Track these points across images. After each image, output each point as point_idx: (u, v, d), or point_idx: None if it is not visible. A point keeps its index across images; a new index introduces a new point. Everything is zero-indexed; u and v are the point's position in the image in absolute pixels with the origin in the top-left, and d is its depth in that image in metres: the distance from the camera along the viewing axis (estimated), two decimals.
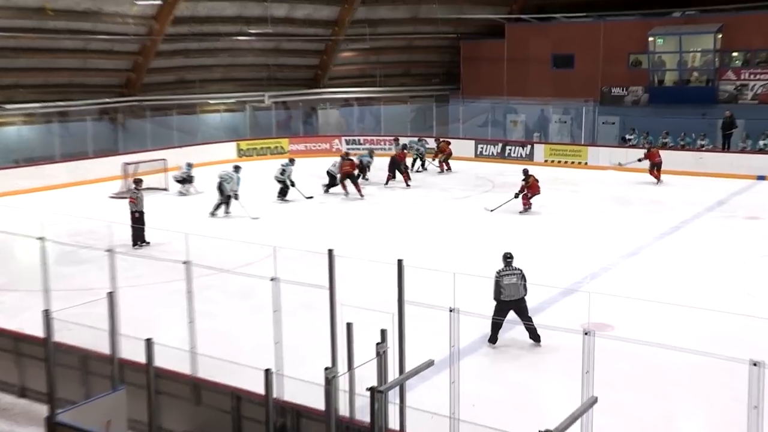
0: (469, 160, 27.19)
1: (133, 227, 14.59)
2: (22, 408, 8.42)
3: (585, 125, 27.37)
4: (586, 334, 5.71)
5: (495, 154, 27.74)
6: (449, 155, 25.16)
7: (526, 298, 9.62)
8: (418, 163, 25.11)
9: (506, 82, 30.77)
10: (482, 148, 27.98)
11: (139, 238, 14.65)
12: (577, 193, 21.39)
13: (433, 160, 25.18)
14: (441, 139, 25.91)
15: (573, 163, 26.15)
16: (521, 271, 9.64)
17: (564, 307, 10.93)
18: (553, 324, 9.20)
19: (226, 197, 17.89)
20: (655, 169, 22.43)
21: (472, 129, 29.81)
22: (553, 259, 14.01)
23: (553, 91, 29.24)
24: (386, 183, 22.29)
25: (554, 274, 12.60)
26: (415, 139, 26.14)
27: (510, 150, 27.53)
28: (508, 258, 9.82)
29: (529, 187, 18.12)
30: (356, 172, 21.11)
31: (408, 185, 22.02)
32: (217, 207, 17.89)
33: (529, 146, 27.33)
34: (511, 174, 24.52)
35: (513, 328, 9.84)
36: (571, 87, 28.85)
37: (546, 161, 26.63)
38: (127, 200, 15.27)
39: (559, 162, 26.40)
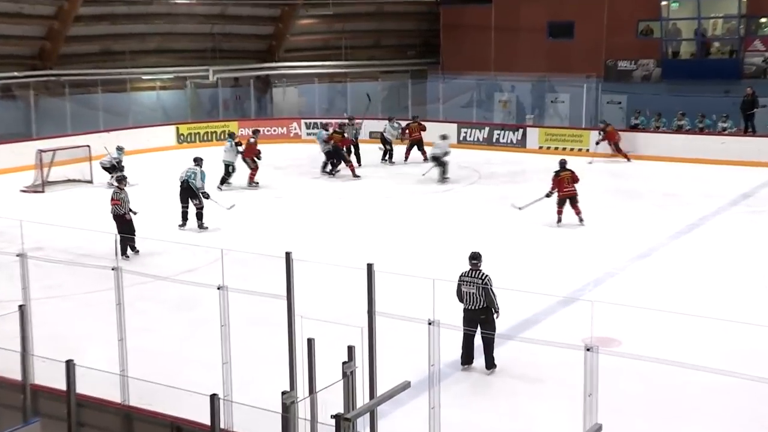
0: (450, 146, 27.24)
1: (120, 234, 13.80)
2: None
3: (587, 105, 27.58)
4: (588, 350, 5.75)
5: (481, 139, 27.86)
6: (419, 141, 24.73)
7: (493, 313, 9.35)
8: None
9: (494, 55, 30.91)
10: (466, 132, 28.08)
11: (126, 246, 14.00)
12: (579, 185, 21.55)
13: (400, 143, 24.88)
14: (415, 120, 25.49)
15: (573, 150, 26.36)
16: (485, 278, 9.35)
17: (563, 318, 11.02)
18: (551, 338, 9.26)
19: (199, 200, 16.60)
20: (616, 148, 23.85)
21: (454, 110, 29.87)
22: (550, 262, 14.11)
23: (549, 65, 29.42)
24: (331, 171, 22.48)
25: (551, 281, 12.69)
26: (386, 121, 26.01)
27: (498, 135, 27.66)
28: (473, 260, 9.56)
29: (557, 183, 16.62)
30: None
31: (356, 175, 22.22)
32: (201, 216, 16.61)
33: (520, 130, 27.49)
34: (500, 163, 24.75)
35: (504, 343, 9.89)
36: (570, 60, 29.07)
37: (541, 148, 26.81)
38: (109, 202, 14.68)
39: (557, 149, 26.55)
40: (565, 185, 16.60)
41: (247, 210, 18.32)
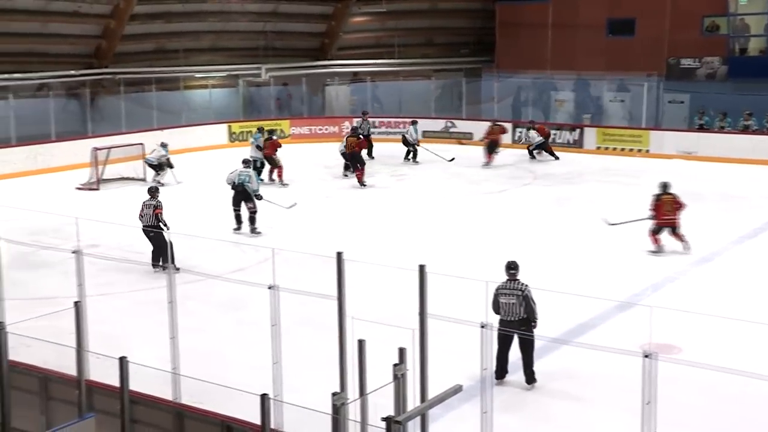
0: (504, 146, 27.10)
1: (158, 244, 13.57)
2: None
3: (647, 105, 27.14)
4: (646, 357, 5.69)
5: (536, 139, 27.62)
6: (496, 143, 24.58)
7: (533, 327, 9.13)
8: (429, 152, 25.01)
9: (550, 54, 30.63)
10: (521, 132, 27.88)
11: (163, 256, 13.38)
12: (636, 186, 21.25)
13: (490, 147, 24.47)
14: (496, 128, 25.09)
15: (632, 150, 26.02)
16: (524, 290, 9.14)
17: (620, 324, 10.88)
18: (607, 344, 9.15)
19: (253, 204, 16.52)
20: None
21: (509, 109, 29.71)
22: (607, 266, 13.96)
23: (608, 63, 29.05)
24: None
25: (609, 285, 12.56)
26: (409, 120, 26.13)
27: (554, 135, 27.38)
28: (510, 269, 9.35)
29: (656, 207, 14.77)
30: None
31: (363, 184, 21.08)
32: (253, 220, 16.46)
33: (577, 130, 27.22)
34: (556, 164, 24.53)
35: (558, 348, 9.81)
36: (630, 58, 28.65)
37: (598, 148, 26.51)
38: (152, 213, 13.99)
39: (615, 149, 26.26)
40: (664, 212, 14.63)
41: (297, 210, 18.47)
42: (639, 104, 27.38)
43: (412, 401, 6.51)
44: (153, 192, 14.58)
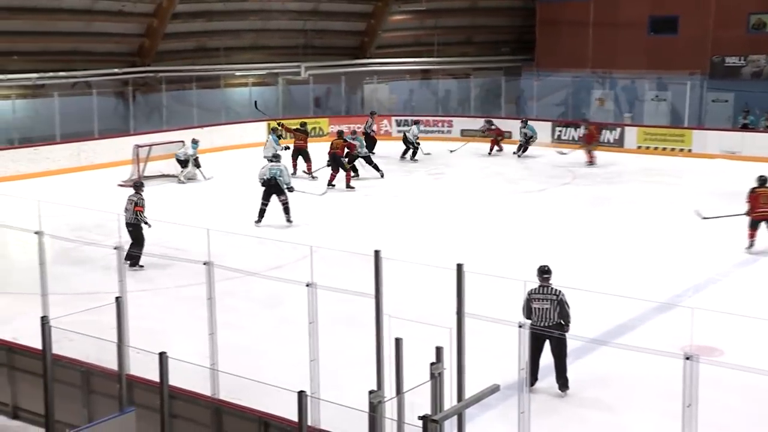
0: (544, 145, 26.93)
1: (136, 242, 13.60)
2: None
3: (690, 104, 26.78)
4: (687, 359, 5.62)
5: (576, 138, 27.41)
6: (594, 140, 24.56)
7: (565, 332, 8.91)
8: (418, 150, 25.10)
9: (591, 52, 30.38)
10: (560, 131, 27.71)
11: (137, 258, 13.51)
12: (678, 186, 21.01)
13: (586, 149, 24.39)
14: (592, 126, 25.07)
15: (674, 150, 25.70)
16: (559, 294, 8.93)
17: (660, 325, 10.76)
18: (647, 345, 9.04)
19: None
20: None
21: (549, 108, 29.53)
22: (647, 266, 13.79)
23: (650, 62, 28.74)
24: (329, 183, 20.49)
25: (649, 285, 12.41)
26: (409, 120, 26.71)
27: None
28: (544, 274, 9.13)
29: (751, 200, 14.56)
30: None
31: (349, 186, 20.47)
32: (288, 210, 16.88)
33: (618, 129, 26.95)
34: (597, 164, 24.26)
35: (596, 349, 9.72)
36: (672, 57, 28.30)
37: (639, 148, 26.24)
38: (132, 209, 13.92)
39: (656, 149, 25.97)
40: (760, 204, 14.42)
41: (335, 207, 18.53)
42: (681, 103, 27.06)
43: (449, 400, 6.49)
44: (138, 187, 14.66)
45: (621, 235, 15.95)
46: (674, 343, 8.36)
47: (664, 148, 25.88)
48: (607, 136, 26.88)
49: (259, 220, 16.89)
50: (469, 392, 6.44)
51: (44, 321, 7.60)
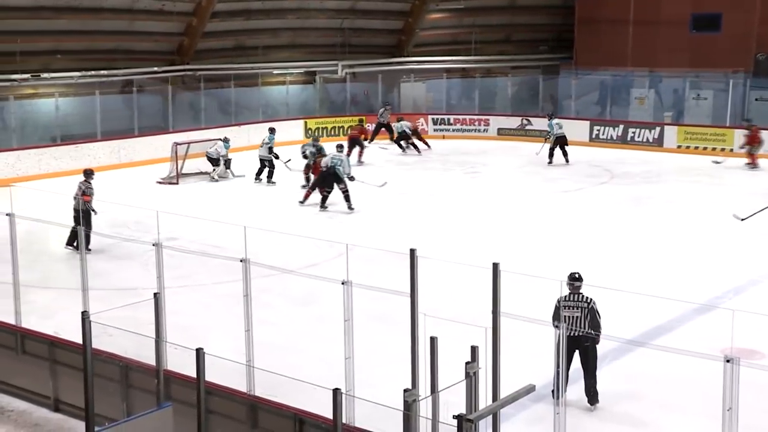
0: (581, 144, 26.70)
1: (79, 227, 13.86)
2: (57, 424, 8.82)
3: (732, 103, 26.36)
4: (728, 361, 5.54)
5: (615, 137, 27.16)
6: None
7: (596, 341, 8.57)
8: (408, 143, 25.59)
9: (631, 50, 30.02)
10: (599, 130, 27.44)
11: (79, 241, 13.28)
12: (719, 186, 20.70)
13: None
14: (753, 127, 23.68)
15: (715, 149, 25.31)
16: (590, 302, 8.63)
17: (700, 327, 10.61)
18: (686, 347, 8.93)
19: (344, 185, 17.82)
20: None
21: (587, 107, 29.27)
22: (687, 267, 13.61)
23: (692, 60, 28.31)
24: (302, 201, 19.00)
25: (689, 287, 12.23)
26: (382, 109, 27.54)
27: (633, 133, 26.89)
28: (574, 281, 8.79)
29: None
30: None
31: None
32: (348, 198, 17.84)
33: (657, 128, 26.62)
34: (634, 162, 24.04)
35: (633, 350, 9.62)
36: (715, 55, 27.84)
37: (679, 147, 25.89)
38: (82, 197, 14.40)
39: (697, 148, 25.61)
40: None
41: (371, 204, 18.56)
42: (723, 102, 26.63)
43: (484, 400, 6.46)
44: (88, 174, 15.07)
45: (660, 236, 15.76)
46: (714, 346, 8.25)
47: (705, 148, 25.51)
48: (646, 135, 26.57)
49: (323, 207, 17.90)
50: (505, 392, 6.41)
51: (84, 316, 7.70)
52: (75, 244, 13.64)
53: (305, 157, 20.41)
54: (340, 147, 18.84)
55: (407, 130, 25.68)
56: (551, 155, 23.48)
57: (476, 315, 7.13)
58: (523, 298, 8.49)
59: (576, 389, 8.66)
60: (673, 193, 19.76)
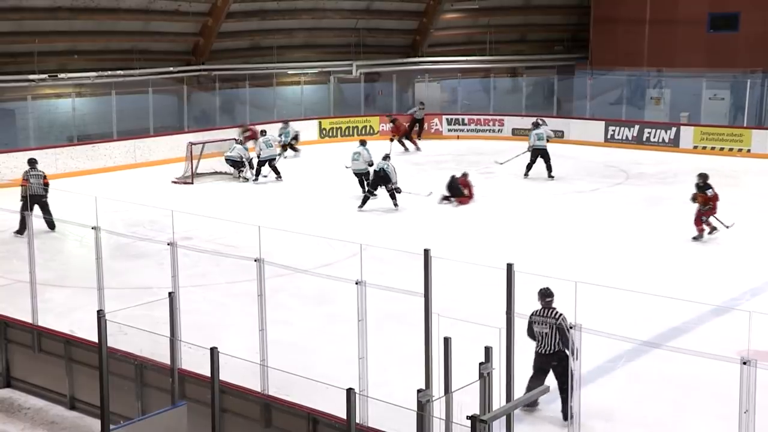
0: (597, 144, 26.60)
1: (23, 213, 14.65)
2: (72, 422, 8.88)
3: (750, 103, 26.17)
4: (744, 363, 5.51)
5: (630, 138, 27.02)
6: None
7: (571, 359, 7.67)
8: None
9: (647, 50, 29.89)
10: (614, 130, 27.32)
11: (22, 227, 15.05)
12: (736, 188, 20.54)
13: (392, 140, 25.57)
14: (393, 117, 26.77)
15: (732, 150, 25.14)
16: (559, 317, 8.19)
17: (717, 328, 10.55)
18: (702, 349, 8.88)
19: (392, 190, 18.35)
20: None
21: (602, 107, 29.14)
22: (703, 269, 13.54)
23: (708, 60, 28.14)
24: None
25: (705, 288, 12.15)
26: (415, 108, 28.06)
27: (649, 133, 26.74)
28: (545, 297, 8.38)
29: (712, 199, 15.22)
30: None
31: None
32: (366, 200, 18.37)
33: (673, 129, 26.46)
34: (650, 163, 23.92)
35: (649, 351, 9.57)
36: (732, 54, 27.68)
37: (695, 148, 25.74)
38: (42, 183, 15.88)
39: (713, 149, 25.44)
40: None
41: (384, 205, 18.54)
42: (741, 102, 26.46)
43: (498, 400, 6.46)
44: (32, 163, 16.31)
45: (676, 237, 15.66)
46: (731, 348, 8.20)
47: (722, 148, 25.35)
48: (662, 135, 26.43)
49: (362, 206, 18.25)
50: (519, 393, 6.41)
51: (100, 315, 7.75)
52: (24, 232, 14.43)
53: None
54: (386, 157, 18.85)
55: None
56: (528, 168, 21.40)
57: (490, 315, 7.13)
58: (537, 299, 8.47)
59: (586, 391, 8.65)
60: (690, 194, 19.62)
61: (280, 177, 21.49)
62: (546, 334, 8.22)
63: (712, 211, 15.09)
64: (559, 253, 14.37)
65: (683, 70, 28.54)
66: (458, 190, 17.96)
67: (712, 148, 25.48)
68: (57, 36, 24.39)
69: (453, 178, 18.39)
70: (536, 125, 22.38)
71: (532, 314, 8.25)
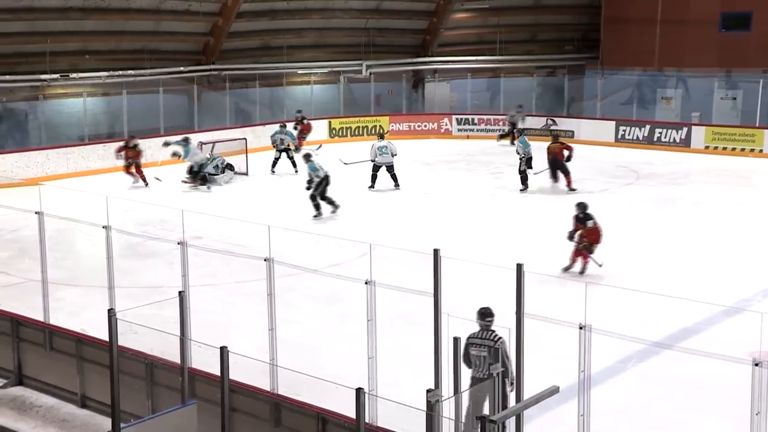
0: (607, 145, 26.54)
1: None
2: (83, 420, 8.92)
3: (762, 102, 26.06)
4: (756, 365, 5.49)
5: (641, 138, 26.96)
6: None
7: (507, 387, 7.35)
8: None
9: (658, 50, 29.80)
10: (624, 130, 27.25)
11: None
12: (747, 187, 20.48)
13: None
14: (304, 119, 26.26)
15: (743, 150, 25.05)
16: (498, 339, 7.56)
17: (728, 329, 10.51)
18: (713, 350, 8.85)
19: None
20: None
21: (613, 107, 29.08)
22: (715, 269, 13.48)
23: (720, 59, 28.05)
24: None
25: (717, 289, 12.11)
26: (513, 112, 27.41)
27: (660, 133, 26.68)
28: (485, 317, 7.78)
29: (588, 234, 13.17)
30: None
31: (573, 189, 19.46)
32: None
33: (684, 129, 26.39)
34: (660, 163, 23.86)
35: (660, 352, 9.54)
36: (744, 54, 27.57)
37: (707, 148, 25.66)
38: None
39: (725, 149, 25.36)
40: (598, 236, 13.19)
41: (394, 205, 18.57)
42: (753, 102, 26.35)
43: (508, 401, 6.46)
44: None
45: (687, 237, 15.62)
46: (742, 349, 8.16)
47: (734, 149, 25.25)
48: (673, 135, 26.34)
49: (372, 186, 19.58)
50: (528, 393, 6.40)
51: (111, 314, 7.77)
52: None
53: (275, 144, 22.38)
54: (308, 157, 18.19)
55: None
56: (525, 180, 20.11)
57: (500, 316, 7.12)
58: (547, 299, 8.46)
59: (595, 392, 8.63)
60: (701, 195, 19.57)
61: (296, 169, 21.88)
62: (484, 357, 7.62)
63: (587, 250, 12.97)
64: (569, 253, 14.32)
65: (695, 69, 28.45)
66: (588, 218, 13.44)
67: (724, 148, 25.39)
68: (68, 36, 24.50)
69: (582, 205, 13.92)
70: (522, 132, 22.92)
71: (469, 336, 7.68)
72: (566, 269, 13.03)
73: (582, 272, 12.84)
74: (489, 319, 7.78)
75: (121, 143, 21.53)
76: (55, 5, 23.26)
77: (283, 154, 22.66)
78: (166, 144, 21.38)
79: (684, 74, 28.98)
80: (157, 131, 24.95)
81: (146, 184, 20.83)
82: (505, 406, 7.14)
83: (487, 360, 7.57)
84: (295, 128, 25.47)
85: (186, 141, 21.34)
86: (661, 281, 12.02)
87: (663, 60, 29.56)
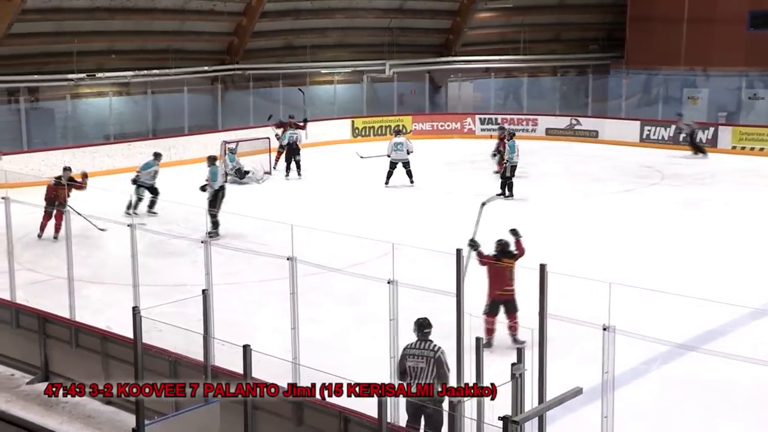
0: (632, 145, 26.34)
1: None
2: (108, 416, 9.00)
3: None
4: None
5: (666, 138, 26.73)
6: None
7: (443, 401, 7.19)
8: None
9: (684, 49, 29.52)
10: (649, 130, 27.05)
11: None
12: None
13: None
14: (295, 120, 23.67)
15: None
16: (436, 351, 7.43)
17: (754, 332, 10.42)
18: (739, 352, 8.77)
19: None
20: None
21: (638, 107, 28.87)
22: (742, 270, 13.35)
23: (748, 59, 27.75)
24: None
25: (744, 290, 12.00)
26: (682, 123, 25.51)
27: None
28: (423, 328, 7.61)
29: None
30: None
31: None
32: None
33: (711, 129, 26.13)
34: (686, 164, 23.66)
35: (684, 354, 9.46)
36: None
37: (734, 148, 25.42)
38: None
39: (752, 149, 25.09)
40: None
41: (417, 204, 18.55)
42: None
43: (530, 402, 6.43)
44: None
45: (714, 238, 15.47)
46: None
47: (762, 149, 24.98)
48: (700, 135, 26.09)
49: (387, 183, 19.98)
50: (551, 394, 6.37)
51: (135, 311, 7.83)
52: None
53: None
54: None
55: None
56: (508, 187, 19.40)
57: (523, 316, 7.10)
58: (570, 300, 8.42)
59: (620, 393, 8.58)
60: (728, 195, 19.38)
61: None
62: (422, 369, 7.40)
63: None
64: (593, 253, 14.26)
65: (722, 69, 28.16)
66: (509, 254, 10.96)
67: (752, 149, 25.12)
68: (95, 36, 24.74)
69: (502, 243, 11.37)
70: (512, 135, 20.58)
71: (406, 347, 7.52)
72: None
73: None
74: (427, 330, 7.64)
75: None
76: (83, 5, 23.50)
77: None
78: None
79: (711, 73, 28.69)
80: (182, 130, 25.12)
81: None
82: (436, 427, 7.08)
83: (425, 371, 7.39)
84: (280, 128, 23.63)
85: (157, 156, 19.05)
86: (686, 282, 11.91)
87: (689, 59, 29.27)
